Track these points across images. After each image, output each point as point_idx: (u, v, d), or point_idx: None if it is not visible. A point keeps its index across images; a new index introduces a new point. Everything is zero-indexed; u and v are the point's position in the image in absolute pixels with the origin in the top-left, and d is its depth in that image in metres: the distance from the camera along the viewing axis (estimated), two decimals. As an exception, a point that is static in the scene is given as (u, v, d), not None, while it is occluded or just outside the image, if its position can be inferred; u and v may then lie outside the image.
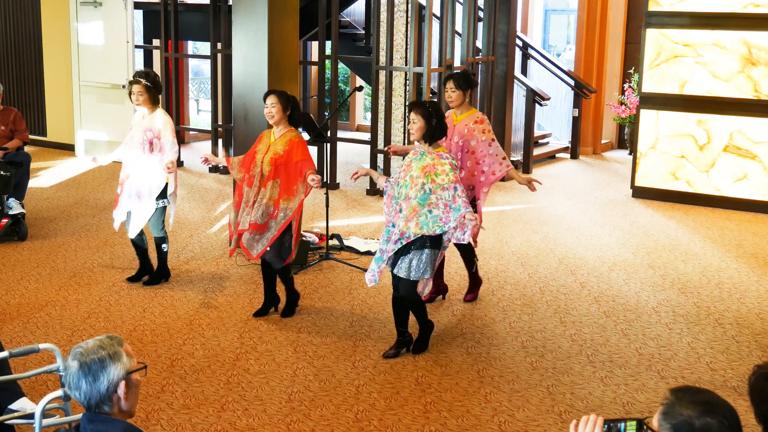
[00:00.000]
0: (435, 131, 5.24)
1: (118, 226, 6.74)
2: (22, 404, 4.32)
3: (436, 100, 10.49)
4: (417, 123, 5.22)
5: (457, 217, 5.06)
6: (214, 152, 11.30)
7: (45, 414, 3.39)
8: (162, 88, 6.60)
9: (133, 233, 6.58)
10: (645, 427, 2.19)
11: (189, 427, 4.49)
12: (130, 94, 6.46)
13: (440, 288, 6.47)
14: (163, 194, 6.47)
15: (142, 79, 6.39)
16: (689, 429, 2.11)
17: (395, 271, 5.24)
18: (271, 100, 5.85)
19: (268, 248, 5.86)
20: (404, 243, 5.15)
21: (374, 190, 10.08)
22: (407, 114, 5.47)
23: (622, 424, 2.23)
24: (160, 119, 6.42)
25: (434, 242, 5.18)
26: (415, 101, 5.35)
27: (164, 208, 6.54)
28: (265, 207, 5.81)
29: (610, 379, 5.19)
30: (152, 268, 6.85)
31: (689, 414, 2.12)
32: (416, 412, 4.70)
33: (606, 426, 2.24)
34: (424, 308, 5.45)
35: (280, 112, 5.84)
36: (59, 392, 3.42)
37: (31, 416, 3.81)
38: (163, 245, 6.69)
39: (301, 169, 5.79)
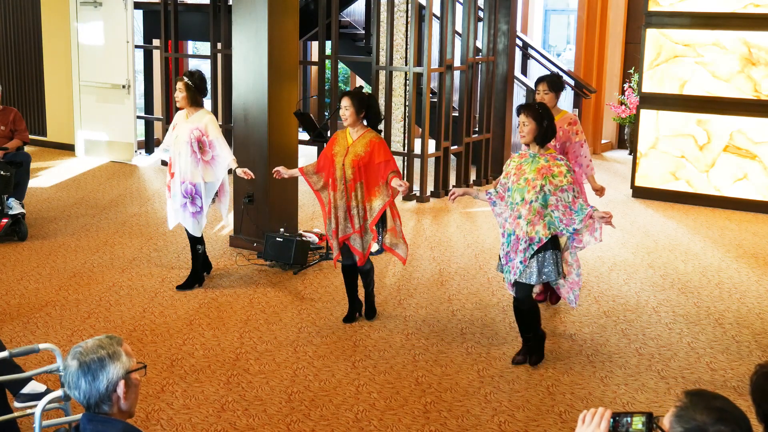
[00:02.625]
0: (547, 133, 5.07)
1: (172, 227, 6.70)
2: (32, 387, 4.44)
3: (435, 100, 10.50)
4: (528, 125, 5.04)
5: (582, 218, 4.91)
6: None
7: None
8: (206, 91, 6.55)
9: (198, 231, 6.55)
10: (655, 425, 2.18)
11: (189, 427, 4.49)
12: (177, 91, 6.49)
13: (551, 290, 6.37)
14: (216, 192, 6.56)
15: (185, 78, 6.40)
16: None
17: (524, 279, 5.07)
18: (345, 102, 5.71)
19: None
20: (535, 248, 4.99)
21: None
22: (517, 115, 5.25)
23: (629, 418, 2.22)
24: (206, 117, 6.43)
25: (554, 243, 5.05)
26: (524, 104, 5.19)
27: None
28: (359, 210, 5.77)
29: (610, 379, 5.18)
30: (210, 265, 6.96)
31: (704, 420, 2.10)
32: (416, 412, 4.70)
33: (613, 419, 2.24)
34: (539, 316, 5.31)
35: (354, 115, 5.70)
36: (59, 392, 3.42)
37: (41, 396, 3.84)
38: (199, 246, 6.65)
39: (383, 171, 5.69)
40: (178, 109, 6.58)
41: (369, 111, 5.77)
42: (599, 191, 6.36)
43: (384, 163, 5.69)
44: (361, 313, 6.14)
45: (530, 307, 5.23)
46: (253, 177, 6.48)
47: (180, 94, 6.40)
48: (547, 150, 5.11)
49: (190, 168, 6.40)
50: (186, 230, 6.60)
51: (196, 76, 6.44)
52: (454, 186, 10.50)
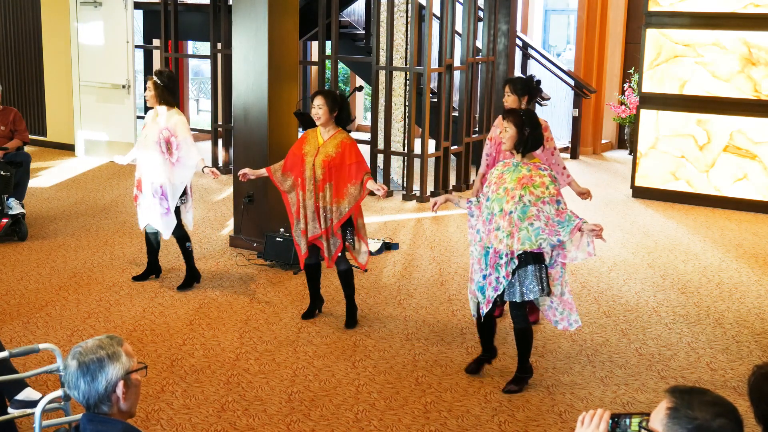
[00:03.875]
0: (528, 141, 4.82)
1: (143, 227, 6.61)
2: (27, 394, 4.43)
3: (435, 100, 10.50)
4: (509, 131, 4.82)
5: (570, 230, 4.62)
6: (214, 152, 11.29)
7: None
8: (177, 90, 6.49)
9: (167, 234, 6.48)
10: (644, 429, 2.18)
11: (189, 427, 4.49)
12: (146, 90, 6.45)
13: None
14: (183, 192, 6.45)
15: (154, 76, 6.35)
16: None
17: (507, 297, 4.80)
18: (318, 101, 5.65)
19: (339, 253, 5.79)
20: (516, 262, 4.72)
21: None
22: (502, 120, 4.98)
23: (628, 419, 2.23)
24: (175, 117, 6.35)
25: (536, 257, 4.75)
26: (510, 109, 4.96)
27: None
28: (328, 211, 5.71)
29: (610, 379, 5.19)
30: (160, 268, 6.86)
31: (704, 417, 2.09)
32: (416, 412, 4.70)
33: (612, 420, 2.24)
34: (531, 343, 5.00)
35: (327, 114, 5.64)
36: (59, 392, 3.42)
37: (35, 404, 3.84)
38: (188, 243, 6.59)
39: (355, 172, 5.64)
40: (148, 108, 6.53)
41: (341, 111, 5.71)
42: (584, 194, 5.93)
43: (356, 164, 5.65)
44: (320, 309, 6.13)
45: (524, 326, 4.91)
46: (219, 176, 6.39)
47: (149, 93, 6.35)
48: (531, 159, 4.88)
49: (159, 169, 6.34)
50: (145, 234, 6.61)
51: (165, 75, 6.37)
52: (453, 187, 10.51)
